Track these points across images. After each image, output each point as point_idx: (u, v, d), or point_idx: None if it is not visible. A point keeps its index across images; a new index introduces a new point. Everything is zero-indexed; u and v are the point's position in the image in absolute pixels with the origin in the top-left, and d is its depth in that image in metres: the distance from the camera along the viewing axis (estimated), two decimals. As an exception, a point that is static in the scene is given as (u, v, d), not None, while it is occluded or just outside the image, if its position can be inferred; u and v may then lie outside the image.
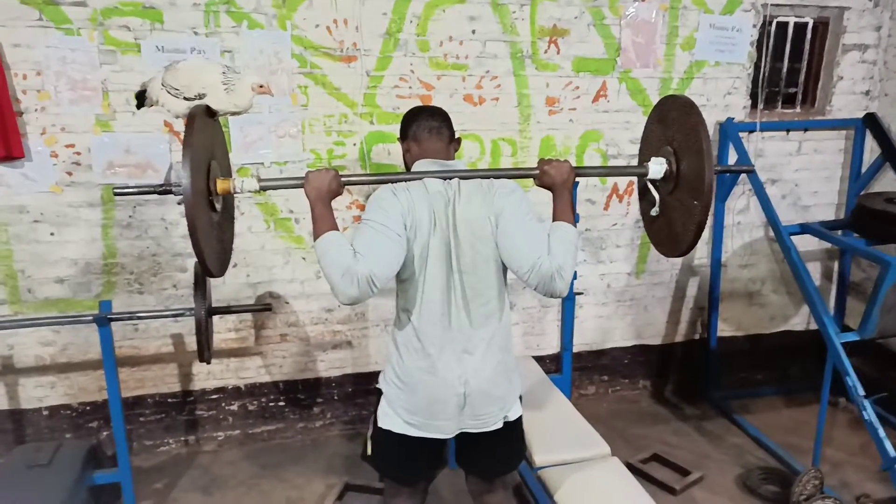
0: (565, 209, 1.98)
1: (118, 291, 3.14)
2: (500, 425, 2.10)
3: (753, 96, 3.66)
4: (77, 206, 3.01)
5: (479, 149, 3.38)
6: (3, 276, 3.00)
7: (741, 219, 3.84)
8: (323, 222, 1.86)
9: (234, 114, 2.11)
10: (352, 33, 3.09)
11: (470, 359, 2.01)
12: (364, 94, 3.18)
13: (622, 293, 3.83)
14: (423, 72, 3.21)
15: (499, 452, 2.18)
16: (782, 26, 3.67)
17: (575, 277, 3.21)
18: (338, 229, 1.86)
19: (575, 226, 1.97)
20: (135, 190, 2.02)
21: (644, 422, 3.73)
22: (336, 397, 3.56)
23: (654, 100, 3.51)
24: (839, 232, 3.55)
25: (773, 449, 3.39)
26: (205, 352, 2.70)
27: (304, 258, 3.32)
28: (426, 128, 2.09)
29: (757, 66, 3.63)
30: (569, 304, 3.40)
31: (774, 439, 3.45)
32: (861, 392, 2.82)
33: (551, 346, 3.78)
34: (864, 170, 3.80)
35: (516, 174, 2.16)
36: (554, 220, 1.98)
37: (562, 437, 2.73)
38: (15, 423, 3.18)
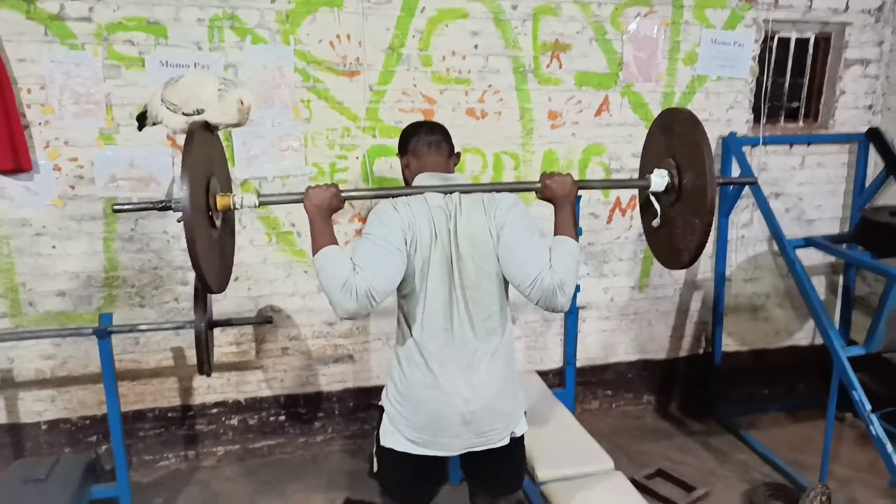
0: (567, 223, 1.97)
1: (119, 304, 3.13)
2: (506, 441, 2.07)
3: (756, 110, 3.66)
4: (79, 220, 3.01)
5: (481, 163, 3.38)
6: (5, 290, 3.00)
7: (745, 232, 3.83)
8: (322, 237, 1.85)
9: (231, 126, 2.09)
10: (355, 48, 3.11)
11: (474, 374, 1.98)
12: (367, 109, 3.19)
13: (625, 307, 3.80)
14: (425, 86, 3.22)
15: (506, 469, 2.14)
16: (784, 41, 3.68)
17: (578, 291, 3.19)
18: (337, 244, 1.85)
19: (577, 240, 1.96)
20: (134, 206, 2.01)
21: (648, 437, 3.69)
22: (337, 412, 3.53)
23: (657, 114, 3.52)
24: (844, 245, 3.54)
25: (780, 465, 3.35)
26: (205, 365, 2.69)
27: (305, 272, 3.31)
28: (426, 142, 2.08)
29: (759, 81, 3.63)
30: (571, 318, 3.38)
31: (780, 455, 3.41)
32: (868, 407, 2.79)
33: (554, 360, 3.75)
34: (867, 184, 3.79)
35: (518, 187, 2.14)
36: (556, 234, 1.96)
37: (565, 451, 2.69)
38: (13, 438, 3.16)
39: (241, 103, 2.03)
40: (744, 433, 3.66)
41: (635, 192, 3.60)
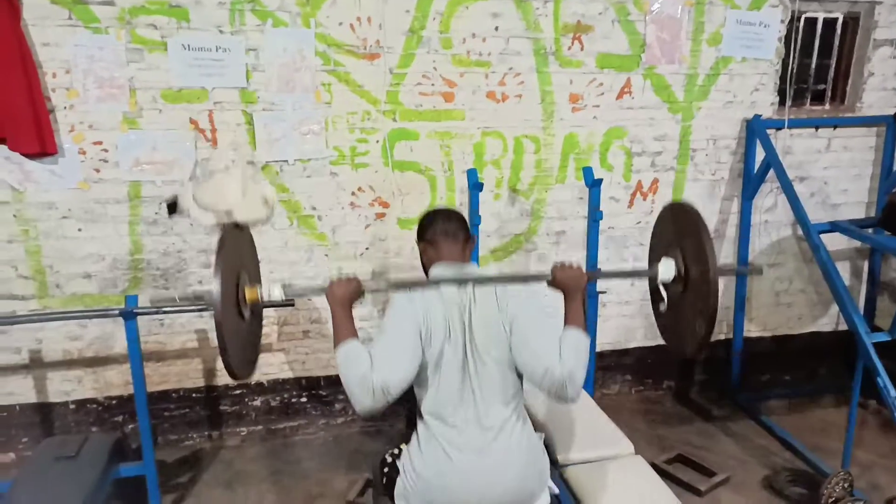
0: (577, 313, 2.02)
1: (144, 287, 3.17)
2: None
3: (781, 93, 3.60)
4: (104, 203, 3.05)
5: (501, 146, 3.37)
6: (32, 272, 3.05)
7: (769, 217, 3.78)
8: (343, 328, 1.94)
9: (258, 222, 2.33)
10: (375, 31, 3.10)
11: (491, 462, 1.99)
12: (387, 92, 3.18)
13: (646, 292, 3.73)
14: (445, 69, 3.21)
15: None
16: (811, 22, 3.61)
17: (596, 284, 3.19)
18: (357, 335, 1.93)
19: (586, 331, 2.00)
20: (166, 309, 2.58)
21: (668, 422, 3.69)
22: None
23: (680, 96, 3.49)
24: (870, 230, 3.48)
25: (801, 450, 3.33)
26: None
27: (326, 255, 3.33)
28: (442, 231, 2.17)
29: (785, 63, 3.57)
30: (592, 302, 3.36)
31: (802, 441, 3.39)
32: (893, 393, 2.76)
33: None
34: (895, 167, 3.72)
35: (529, 278, 2.20)
36: (566, 324, 2.01)
37: (585, 435, 2.70)
38: (43, 416, 3.23)
39: (266, 201, 2.30)
40: (765, 419, 3.64)
41: (658, 174, 3.59)
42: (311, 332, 3.42)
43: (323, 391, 3.52)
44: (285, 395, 3.49)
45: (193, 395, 3.38)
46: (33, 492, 2.57)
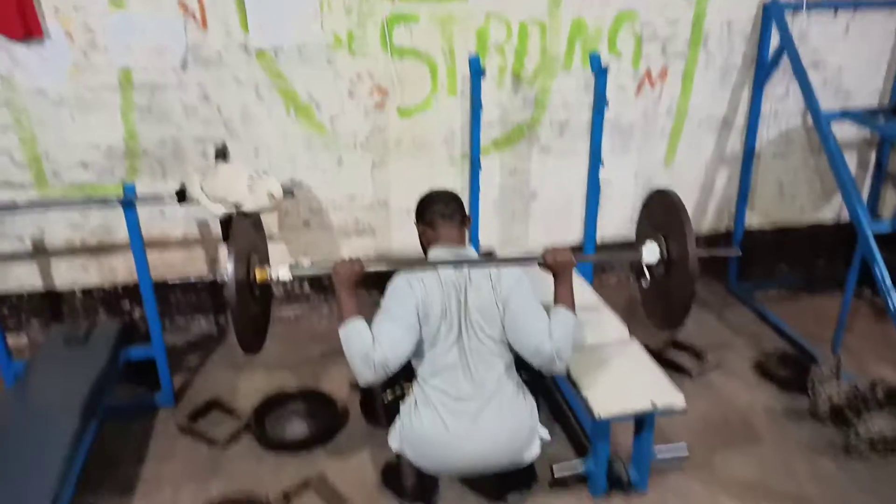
0: (566, 294, 2.23)
1: (142, 176, 3.15)
2: (519, 464, 2.31)
3: (800, -28, 3.41)
4: (96, 90, 2.97)
5: (505, 31, 3.23)
6: (28, 160, 3.02)
7: (779, 106, 3.68)
8: (347, 308, 2.13)
9: (264, 211, 2.55)
10: None
11: (485, 430, 2.18)
12: (385, -30, 3.02)
13: (648, 183, 3.74)
14: (446, -56, 3.03)
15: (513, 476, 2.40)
16: None
17: (602, 163, 3.14)
18: (360, 315, 2.12)
19: (574, 310, 2.21)
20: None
21: (665, 311, 3.75)
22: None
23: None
24: (882, 119, 3.40)
25: (793, 337, 3.40)
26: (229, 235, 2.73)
27: (325, 145, 3.27)
28: (440, 214, 2.33)
29: (807, -62, 3.36)
30: (593, 192, 3.34)
31: (795, 328, 3.46)
32: (889, 282, 2.78)
33: (575, 234, 3.75)
34: (914, 53, 3.58)
35: (521, 260, 2.34)
36: (555, 304, 2.22)
37: (582, 321, 2.73)
38: (51, 303, 3.31)
39: (273, 196, 2.51)
40: (760, 307, 3.70)
41: (668, 62, 3.47)
42: (311, 222, 3.43)
43: (325, 280, 3.57)
44: (288, 285, 3.55)
45: (198, 284, 3.44)
46: (45, 374, 2.66)
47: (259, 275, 2.24)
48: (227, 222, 2.58)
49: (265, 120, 3.16)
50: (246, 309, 2.23)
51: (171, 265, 3.35)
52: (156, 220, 3.24)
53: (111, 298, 3.35)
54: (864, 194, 3.94)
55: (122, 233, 3.16)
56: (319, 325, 3.61)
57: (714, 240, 3.94)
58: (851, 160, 3.88)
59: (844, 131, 3.62)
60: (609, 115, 3.22)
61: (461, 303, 2.20)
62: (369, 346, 2.06)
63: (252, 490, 2.48)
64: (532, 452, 2.31)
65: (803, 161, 3.86)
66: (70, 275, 3.28)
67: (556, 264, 2.22)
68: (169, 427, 2.83)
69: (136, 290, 3.16)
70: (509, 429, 2.22)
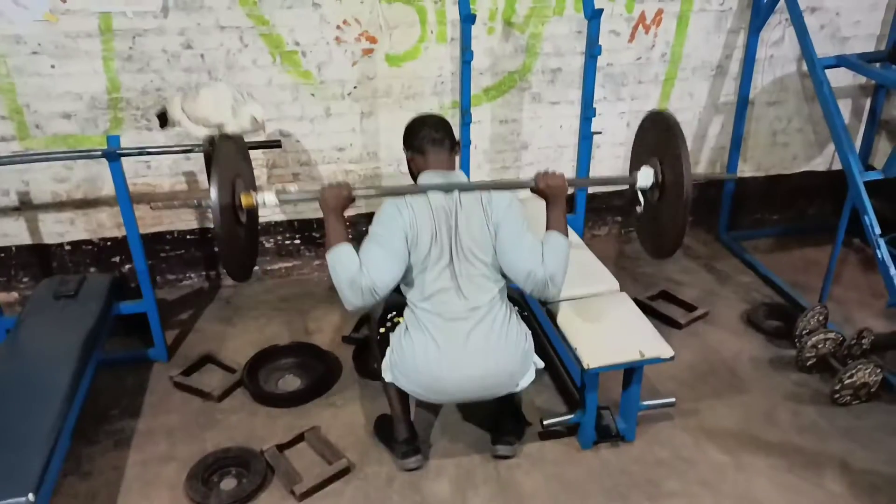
0: (559, 219, 2.20)
1: (126, 128, 3.08)
2: (513, 390, 2.32)
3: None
4: (75, 37, 2.87)
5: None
6: (9, 111, 2.95)
7: (774, 52, 3.61)
8: (335, 233, 2.10)
9: (247, 133, 2.48)
10: None
11: (476, 351, 2.17)
12: None
13: (641, 132, 3.70)
14: None
15: (506, 401, 2.44)
16: None
17: (593, 115, 3.09)
18: (348, 240, 2.10)
19: (567, 235, 2.19)
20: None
21: (654, 262, 3.74)
22: (350, 236, 3.59)
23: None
24: (877, 65, 3.35)
25: (781, 286, 3.43)
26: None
27: (312, 94, 3.21)
28: (429, 139, 2.25)
29: None
30: (585, 143, 3.29)
31: (783, 278, 3.49)
32: (877, 231, 2.79)
33: (566, 186, 3.73)
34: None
35: (513, 185, 2.33)
36: (548, 229, 2.20)
37: (573, 273, 2.69)
38: (40, 258, 3.28)
39: (256, 120, 2.43)
40: (748, 257, 3.72)
41: (663, 4, 3.38)
42: (301, 174, 3.39)
43: (316, 233, 3.55)
44: (279, 238, 3.53)
45: (188, 236, 3.41)
46: (35, 329, 2.66)
47: (245, 200, 2.17)
48: (210, 155, 2.48)
49: (250, 66, 3.08)
50: (232, 234, 2.16)
51: (160, 218, 3.32)
52: (141, 173, 3.19)
53: (100, 252, 3.33)
54: (857, 143, 3.91)
55: (107, 186, 3.11)
56: (311, 280, 3.61)
57: (705, 188, 3.93)
58: (846, 108, 3.84)
59: (840, 77, 3.57)
60: (602, 62, 3.15)
61: (452, 227, 2.16)
62: (356, 270, 2.03)
63: (246, 443, 2.52)
64: (526, 379, 2.31)
65: (797, 109, 3.82)
66: (57, 228, 3.24)
67: (548, 189, 2.18)
68: (163, 381, 2.85)
69: (124, 244, 3.15)
70: (502, 350, 2.20)
